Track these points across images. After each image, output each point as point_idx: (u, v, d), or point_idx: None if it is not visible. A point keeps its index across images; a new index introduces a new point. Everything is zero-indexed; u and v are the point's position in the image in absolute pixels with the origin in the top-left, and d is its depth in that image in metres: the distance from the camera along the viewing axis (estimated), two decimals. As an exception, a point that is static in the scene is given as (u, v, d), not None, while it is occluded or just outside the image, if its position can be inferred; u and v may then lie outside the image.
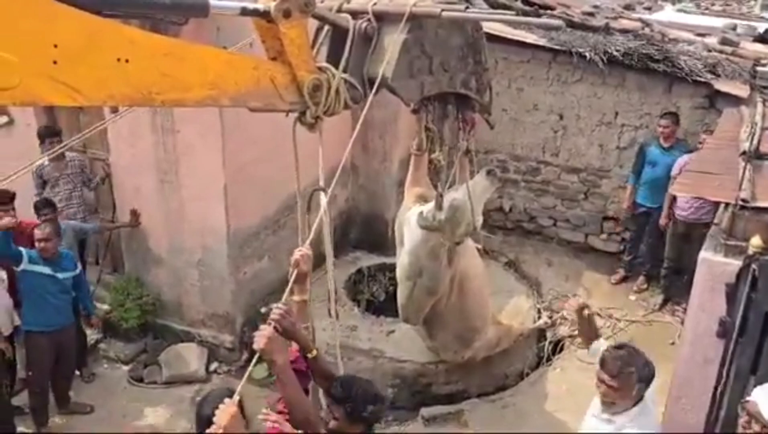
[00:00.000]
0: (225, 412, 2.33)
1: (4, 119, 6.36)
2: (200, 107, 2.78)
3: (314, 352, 2.89)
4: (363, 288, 6.78)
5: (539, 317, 6.48)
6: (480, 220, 4.45)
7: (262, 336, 2.54)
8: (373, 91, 3.00)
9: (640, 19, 8.22)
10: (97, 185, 6.30)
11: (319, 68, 2.96)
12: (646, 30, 7.64)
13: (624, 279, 7.21)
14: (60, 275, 5.03)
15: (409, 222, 4.70)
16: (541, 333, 6.36)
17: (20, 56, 2.12)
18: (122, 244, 6.39)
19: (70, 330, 5.30)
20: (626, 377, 3.06)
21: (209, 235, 5.87)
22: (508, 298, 6.64)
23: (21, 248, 4.90)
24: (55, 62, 2.22)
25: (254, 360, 2.52)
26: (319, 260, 4.22)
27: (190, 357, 6.03)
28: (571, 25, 7.29)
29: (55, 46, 2.21)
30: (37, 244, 4.92)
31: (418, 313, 5.07)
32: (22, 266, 4.90)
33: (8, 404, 5.13)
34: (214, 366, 6.14)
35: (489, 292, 5.61)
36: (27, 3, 2.16)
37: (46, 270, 4.95)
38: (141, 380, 5.96)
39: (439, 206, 4.25)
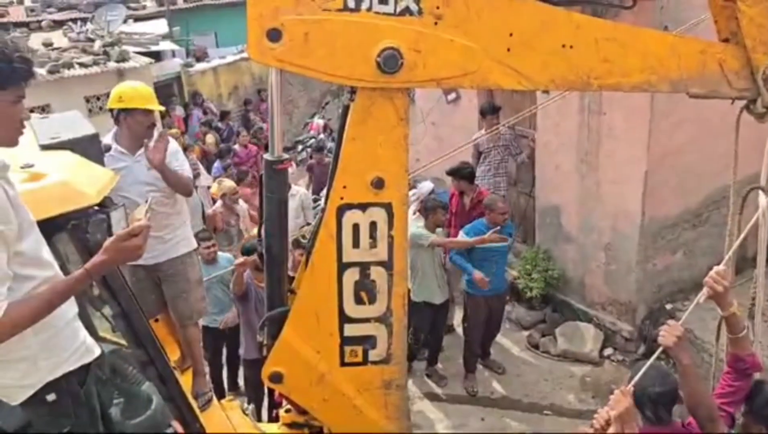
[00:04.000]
0: (621, 402, 2.34)
1: (453, 96, 7.31)
2: (636, 92, 2.73)
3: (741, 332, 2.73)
4: (799, 305, 5.74)
5: None
6: None
7: (671, 334, 2.47)
8: None
9: None
10: (523, 160, 6.73)
11: (784, 50, 2.59)
12: None
13: None
14: (500, 244, 5.39)
15: None
16: None
17: (482, 45, 2.42)
18: (536, 217, 6.74)
19: (503, 295, 5.83)
20: None
21: (622, 220, 5.75)
22: None
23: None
24: (508, 49, 2.46)
25: (656, 354, 2.49)
26: (744, 264, 3.77)
27: (587, 337, 6.09)
28: None
29: (511, 34, 2.45)
30: (488, 213, 5.39)
31: None
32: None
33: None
34: (608, 351, 6.07)
35: None
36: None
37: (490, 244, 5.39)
38: (537, 347, 6.28)
39: None
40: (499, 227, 5.29)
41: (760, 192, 2.80)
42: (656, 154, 5.33)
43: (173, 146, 3.72)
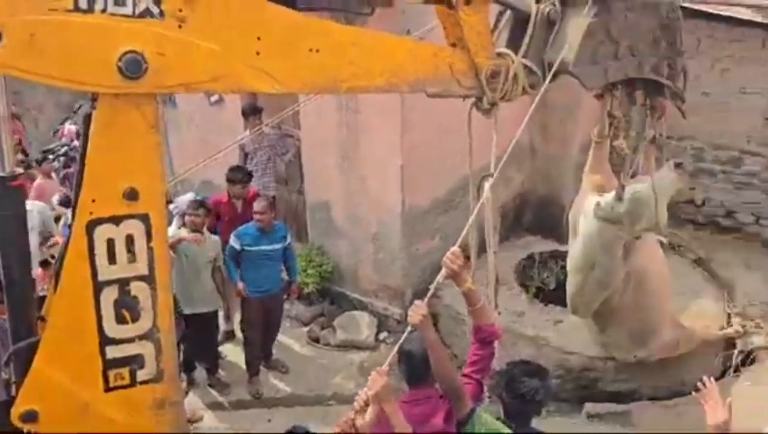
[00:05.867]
0: (377, 382, 2.52)
1: (215, 97, 7.14)
2: (381, 93, 2.94)
3: (478, 304, 3.05)
4: (533, 274, 6.66)
5: (729, 324, 5.92)
6: (664, 216, 4.14)
7: (416, 313, 2.70)
8: (549, 77, 2.95)
9: None
10: (290, 159, 6.85)
11: (499, 54, 2.99)
12: None
13: None
14: (272, 247, 5.49)
15: (585, 212, 4.52)
16: (729, 341, 5.81)
17: (230, 49, 2.41)
18: (307, 214, 6.90)
19: (278, 295, 5.84)
20: None
21: (385, 211, 6.14)
22: (694, 299, 6.14)
23: (236, 243, 5.42)
24: (258, 53, 2.48)
25: (406, 333, 2.75)
26: (484, 245, 4.26)
27: (362, 325, 6.40)
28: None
29: (259, 38, 2.47)
30: (255, 216, 5.43)
31: (588, 307, 4.89)
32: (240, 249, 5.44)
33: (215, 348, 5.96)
34: (383, 335, 6.44)
35: (670, 291, 5.22)
36: (239, 1, 2.43)
37: (261, 247, 5.44)
38: (317, 340, 6.44)
39: (619, 197, 4.03)
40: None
41: (490, 179, 3.18)
42: (409, 150, 5.79)
43: None
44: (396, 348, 2.80)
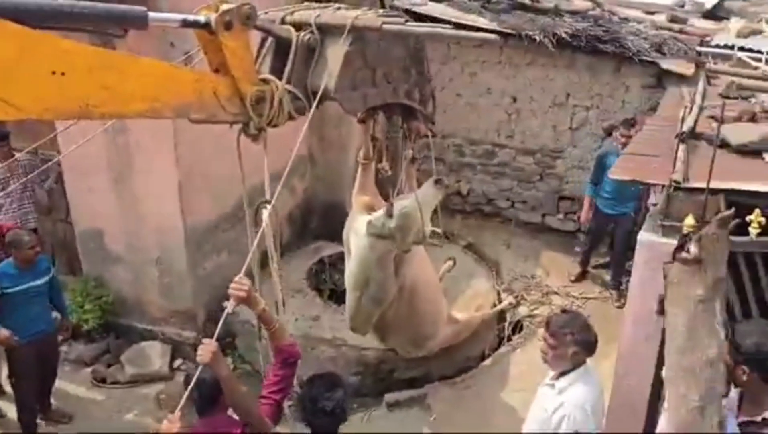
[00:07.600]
0: (170, 428, 2.43)
1: (-52, 123, 6.19)
2: (142, 118, 2.77)
3: (275, 325, 3.09)
4: (325, 278, 6.82)
5: (499, 299, 6.63)
6: (429, 228, 4.42)
7: (206, 351, 2.65)
8: (315, 103, 3.02)
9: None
10: (50, 186, 6.20)
11: (263, 80, 2.96)
12: (596, 11, 7.77)
13: (584, 273, 7.16)
14: (37, 282, 4.94)
15: (356, 231, 4.66)
16: (501, 314, 6.51)
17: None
18: (78, 245, 6.32)
19: (51, 336, 5.25)
20: (562, 336, 3.24)
21: (166, 232, 5.85)
22: (468, 281, 6.77)
23: None
24: (-14, 75, 2.19)
25: (198, 371, 2.66)
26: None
27: (153, 355, 6.03)
28: (522, 7, 7.39)
29: (-15, 59, 2.18)
30: (14, 253, 4.82)
31: (365, 324, 5.00)
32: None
33: None
34: (178, 362, 6.13)
35: (442, 296, 5.50)
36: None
37: (25, 285, 4.85)
38: (104, 380, 5.93)
39: (389, 214, 4.21)
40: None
41: (266, 205, 3.17)
42: (185, 166, 5.57)
43: None
44: (188, 390, 2.65)
